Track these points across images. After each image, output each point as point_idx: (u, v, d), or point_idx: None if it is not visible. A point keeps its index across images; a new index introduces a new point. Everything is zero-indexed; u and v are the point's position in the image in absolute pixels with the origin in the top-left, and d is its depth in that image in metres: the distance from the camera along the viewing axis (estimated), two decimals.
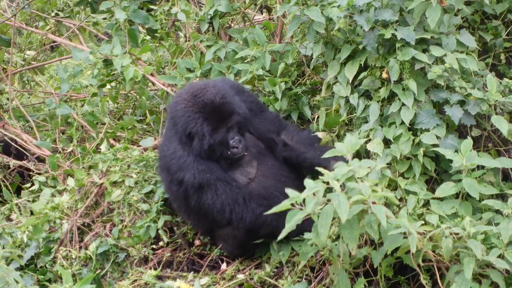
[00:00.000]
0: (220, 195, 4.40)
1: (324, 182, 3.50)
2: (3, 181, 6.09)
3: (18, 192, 6.01)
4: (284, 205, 3.57)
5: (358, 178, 3.60)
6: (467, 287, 3.55)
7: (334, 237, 3.84)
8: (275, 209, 3.58)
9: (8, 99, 6.42)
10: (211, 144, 4.34)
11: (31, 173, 6.00)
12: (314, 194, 3.51)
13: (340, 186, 3.50)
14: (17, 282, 3.22)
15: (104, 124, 5.98)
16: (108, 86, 5.85)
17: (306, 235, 3.92)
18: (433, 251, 3.68)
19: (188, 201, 4.50)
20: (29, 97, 7.25)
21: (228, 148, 4.42)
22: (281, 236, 3.60)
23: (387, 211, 3.51)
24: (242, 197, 4.42)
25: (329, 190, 3.49)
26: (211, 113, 4.33)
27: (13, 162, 6.09)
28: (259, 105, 4.76)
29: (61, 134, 6.27)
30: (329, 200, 3.45)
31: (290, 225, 3.52)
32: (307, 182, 3.57)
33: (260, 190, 4.49)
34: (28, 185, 5.82)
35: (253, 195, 4.45)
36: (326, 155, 3.88)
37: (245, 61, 5.17)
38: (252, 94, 4.84)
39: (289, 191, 3.59)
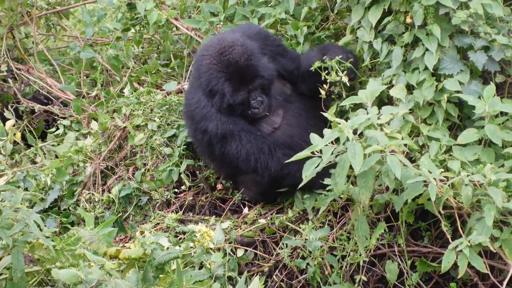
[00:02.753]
0: (245, 145, 4.41)
1: (342, 131, 3.51)
2: (27, 126, 6.14)
3: (43, 138, 6.06)
4: (304, 153, 3.58)
5: (378, 125, 3.59)
6: (488, 234, 3.53)
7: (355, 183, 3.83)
8: (295, 157, 3.64)
9: (33, 42, 6.43)
10: (230, 104, 4.34)
11: (56, 117, 6.04)
12: (332, 143, 3.51)
13: (359, 134, 3.50)
14: (37, 224, 3.24)
15: (129, 68, 5.98)
16: (132, 30, 5.84)
17: (326, 181, 3.92)
18: (454, 198, 3.66)
19: (212, 148, 4.52)
20: (55, 41, 7.25)
21: (249, 108, 4.42)
22: (303, 183, 3.63)
23: (404, 160, 3.50)
24: (267, 146, 4.42)
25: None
26: (234, 74, 4.32)
27: (38, 107, 6.12)
28: (282, 46, 4.76)
29: (85, 78, 6.28)
30: (346, 149, 3.45)
31: (309, 173, 3.56)
32: (326, 131, 3.58)
33: (285, 139, 4.49)
34: (53, 129, 5.86)
35: (278, 144, 4.46)
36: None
37: (269, 5, 5.12)
38: (275, 38, 4.82)
39: (312, 137, 3.59)
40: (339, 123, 3.53)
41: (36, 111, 6.17)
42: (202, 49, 4.54)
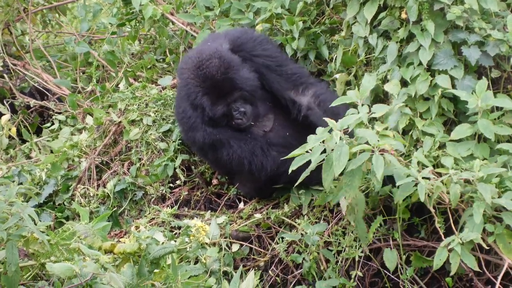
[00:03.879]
0: (236, 150, 4.41)
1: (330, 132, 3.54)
2: (22, 122, 6.14)
3: (38, 133, 6.05)
4: (297, 152, 3.60)
5: (372, 120, 3.60)
6: (478, 230, 3.53)
7: None
8: (291, 155, 3.67)
9: (29, 39, 6.42)
10: (211, 117, 4.34)
11: (51, 112, 6.04)
12: (323, 142, 3.53)
13: (348, 133, 3.52)
14: (32, 218, 3.23)
15: (125, 63, 5.98)
16: (128, 26, 5.83)
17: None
18: (448, 194, 3.67)
19: (205, 153, 4.56)
20: (55, 37, 7.24)
21: (233, 119, 4.40)
22: (299, 181, 3.67)
23: (393, 159, 3.50)
24: (260, 147, 4.42)
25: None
26: (211, 88, 4.30)
27: (33, 102, 6.12)
28: (277, 58, 4.61)
29: (81, 73, 6.28)
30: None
31: (297, 168, 3.59)
32: (318, 129, 3.59)
33: (278, 139, 4.49)
34: (48, 124, 5.86)
35: (272, 142, 4.46)
36: (336, 102, 3.86)
37: None
38: (270, 47, 4.67)
39: (310, 138, 3.61)
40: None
41: (31, 106, 6.16)
42: (183, 62, 4.53)
